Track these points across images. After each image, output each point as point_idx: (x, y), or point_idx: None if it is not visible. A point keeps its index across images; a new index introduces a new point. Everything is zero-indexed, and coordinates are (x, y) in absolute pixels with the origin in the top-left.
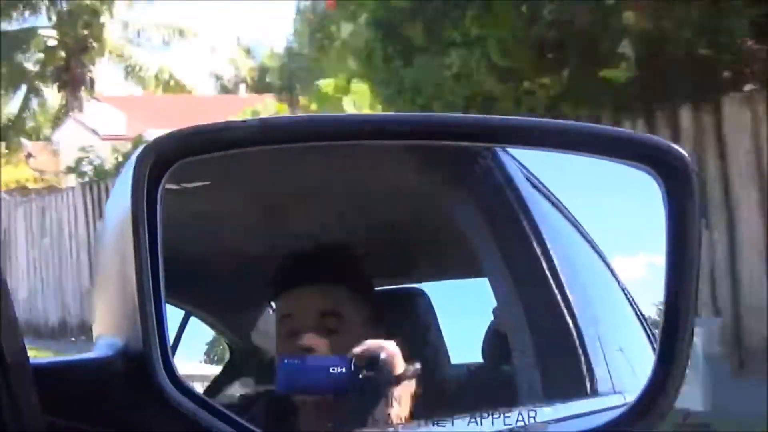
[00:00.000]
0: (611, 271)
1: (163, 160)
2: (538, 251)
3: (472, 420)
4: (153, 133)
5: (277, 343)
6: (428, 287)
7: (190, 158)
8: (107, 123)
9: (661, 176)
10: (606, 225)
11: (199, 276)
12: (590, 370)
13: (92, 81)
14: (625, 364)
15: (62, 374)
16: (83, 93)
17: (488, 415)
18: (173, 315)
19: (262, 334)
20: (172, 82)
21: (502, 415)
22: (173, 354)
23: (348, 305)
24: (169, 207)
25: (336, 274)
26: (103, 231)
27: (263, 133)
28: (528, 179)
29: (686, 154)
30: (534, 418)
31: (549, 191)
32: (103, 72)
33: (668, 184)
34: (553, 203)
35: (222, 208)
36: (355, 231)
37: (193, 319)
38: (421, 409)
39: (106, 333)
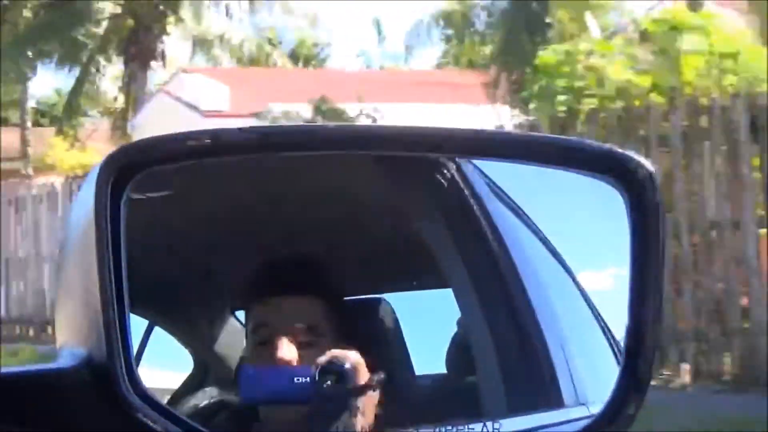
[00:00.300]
0: (576, 282)
1: (127, 169)
2: (503, 263)
3: (436, 431)
4: (278, 106)
5: (248, 353)
6: (393, 298)
7: (152, 168)
8: (208, 98)
9: (623, 187)
10: (572, 236)
11: (163, 286)
12: (555, 381)
13: (163, 54)
14: (589, 376)
15: (24, 384)
16: (158, 65)
17: (452, 428)
18: (137, 325)
19: (226, 345)
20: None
21: (466, 427)
22: (137, 364)
23: (324, 319)
24: (134, 217)
25: (315, 286)
26: (66, 239)
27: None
28: (493, 191)
29: (647, 164)
30: (498, 430)
31: (514, 203)
32: (177, 44)
33: (630, 195)
34: (518, 215)
35: (186, 217)
36: (322, 241)
37: (157, 330)
38: (386, 420)
39: (70, 343)
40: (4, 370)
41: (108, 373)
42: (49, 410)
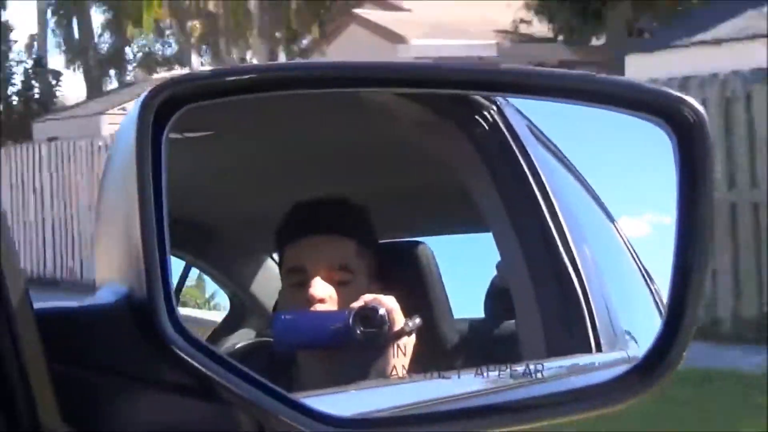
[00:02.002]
0: (617, 228)
1: (168, 105)
2: (543, 206)
3: (478, 374)
4: None
5: (283, 295)
6: (431, 241)
7: (194, 103)
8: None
9: (673, 129)
10: (614, 181)
11: (200, 227)
12: (594, 326)
13: None
14: (629, 322)
15: (66, 321)
16: None
17: (494, 369)
18: (175, 265)
19: (263, 287)
20: None
21: (508, 368)
22: (176, 303)
23: (357, 259)
24: (174, 156)
25: (347, 227)
26: (107, 176)
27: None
28: (534, 133)
29: (700, 107)
30: (541, 372)
31: (555, 145)
32: None
33: (681, 139)
34: (558, 157)
35: (226, 158)
36: (360, 182)
37: (193, 271)
38: (423, 364)
39: (110, 280)
40: (43, 305)
41: (148, 309)
42: (89, 346)
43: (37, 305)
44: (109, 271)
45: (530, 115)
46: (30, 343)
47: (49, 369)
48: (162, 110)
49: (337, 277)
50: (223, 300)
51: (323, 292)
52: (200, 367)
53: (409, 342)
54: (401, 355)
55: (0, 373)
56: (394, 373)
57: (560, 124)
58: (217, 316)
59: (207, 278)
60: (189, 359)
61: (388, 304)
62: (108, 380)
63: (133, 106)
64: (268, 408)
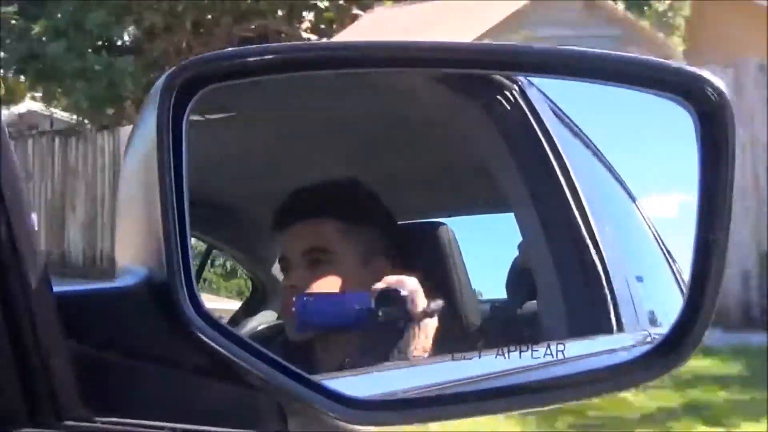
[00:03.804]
0: (639, 208)
1: (189, 86)
2: (566, 187)
3: (500, 354)
4: None
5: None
6: (453, 222)
7: (214, 84)
8: None
9: (696, 109)
10: (638, 160)
11: (221, 209)
12: (616, 307)
13: None
14: (651, 303)
15: (86, 302)
16: None
17: (516, 350)
18: (196, 248)
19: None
20: None
21: (530, 349)
22: (197, 285)
23: (340, 239)
24: (195, 138)
25: (326, 209)
26: (127, 158)
27: (285, 58)
28: (556, 113)
29: (724, 86)
30: (563, 352)
31: (577, 126)
32: None
33: (703, 118)
34: (581, 138)
35: (247, 141)
36: (382, 163)
37: (215, 252)
38: (445, 345)
39: (130, 262)
40: (65, 288)
41: (169, 291)
42: (111, 328)
43: (56, 288)
44: (130, 254)
45: (552, 95)
46: (49, 326)
47: (69, 351)
48: (183, 91)
49: (311, 258)
50: (244, 282)
51: (292, 280)
52: (220, 349)
53: (431, 324)
54: (423, 336)
55: (21, 355)
56: (416, 354)
57: (583, 103)
58: (239, 298)
59: (229, 260)
60: (209, 341)
61: (411, 285)
62: (128, 361)
63: (153, 88)
64: (288, 390)
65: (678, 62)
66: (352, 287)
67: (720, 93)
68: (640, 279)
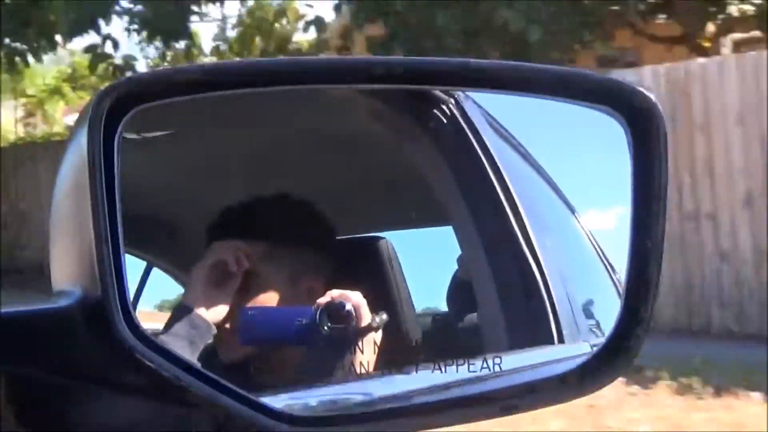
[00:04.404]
0: (578, 220)
1: (120, 104)
2: (504, 200)
3: (437, 368)
4: None
5: None
6: (392, 236)
7: (146, 103)
8: None
9: (627, 120)
10: (574, 172)
11: (159, 226)
12: (556, 318)
13: None
14: (590, 314)
15: (19, 324)
16: None
17: (452, 363)
18: (135, 266)
19: None
20: None
21: (466, 362)
22: (136, 305)
23: (263, 262)
24: (129, 156)
25: (247, 230)
26: (59, 177)
27: (214, 76)
28: (492, 126)
29: (652, 96)
30: (499, 365)
31: (514, 138)
32: None
33: (633, 129)
34: (518, 150)
35: (181, 158)
36: (319, 177)
37: (155, 271)
38: (387, 359)
39: (64, 283)
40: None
41: (103, 311)
42: (45, 350)
43: None
44: (64, 274)
45: (489, 108)
46: None
47: (3, 372)
48: (114, 110)
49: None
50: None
51: (194, 296)
52: (156, 368)
53: (376, 338)
54: (368, 350)
55: None
56: (360, 369)
57: (520, 117)
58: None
59: (169, 278)
60: (145, 360)
61: (355, 299)
62: (65, 383)
63: (84, 107)
64: (228, 408)
65: (608, 75)
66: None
67: (649, 103)
68: (581, 291)
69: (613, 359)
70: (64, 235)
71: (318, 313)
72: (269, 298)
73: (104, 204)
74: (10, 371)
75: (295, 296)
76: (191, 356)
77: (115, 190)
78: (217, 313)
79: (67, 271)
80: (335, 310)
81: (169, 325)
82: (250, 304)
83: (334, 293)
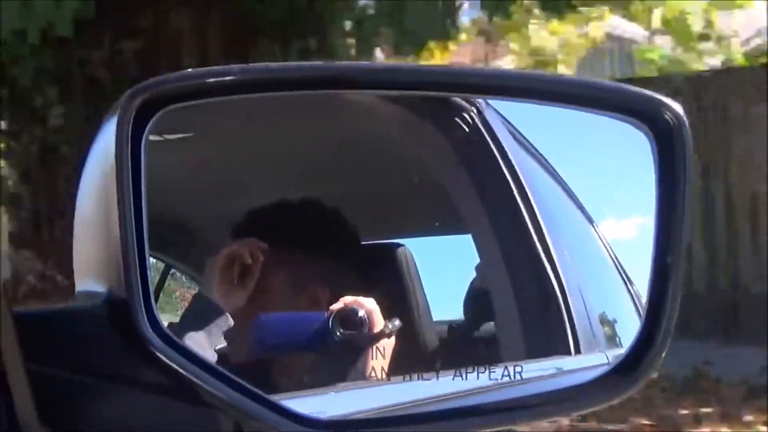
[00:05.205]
0: (597, 230)
1: (148, 106)
2: (524, 209)
3: (458, 375)
4: None
5: None
6: (410, 243)
7: (174, 104)
8: None
9: (653, 132)
10: (596, 182)
11: (182, 228)
12: (573, 328)
13: None
14: (608, 325)
15: (45, 323)
16: None
17: (473, 371)
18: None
19: None
20: None
21: (487, 370)
22: (156, 304)
23: (270, 267)
24: (156, 157)
25: (267, 233)
26: (85, 176)
27: (245, 79)
28: (514, 135)
29: (681, 110)
30: (520, 374)
31: (536, 148)
32: None
33: (660, 141)
34: (539, 160)
35: (208, 160)
36: (340, 184)
37: (173, 272)
38: (403, 366)
39: (89, 283)
40: (23, 310)
41: (127, 311)
42: (69, 349)
43: (15, 309)
44: (88, 273)
45: (512, 117)
46: (8, 346)
47: (27, 371)
48: (142, 112)
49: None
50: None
51: (215, 292)
52: (178, 368)
53: (388, 344)
54: (380, 357)
55: None
56: (373, 375)
57: (541, 126)
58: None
59: (187, 280)
60: (167, 360)
61: (368, 305)
62: (86, 381)
63: (113, 107)
64: (246, 409)
65: (636, 87)
66: None
67: (677, 116)
68: (598, 302)
69: (631, 372)
70: (88, 234)
71: (331, 319)
72: (272, 303)
73: (131, 206)
74: (33, 369)
75: (298, 303)
76: (209, 347)
77: (141, 192)
78: (233, 304)
79: (91, 269)
80: (348, 316)
81: (186, 315)
82: (257, 307)
83: (347, 299)
